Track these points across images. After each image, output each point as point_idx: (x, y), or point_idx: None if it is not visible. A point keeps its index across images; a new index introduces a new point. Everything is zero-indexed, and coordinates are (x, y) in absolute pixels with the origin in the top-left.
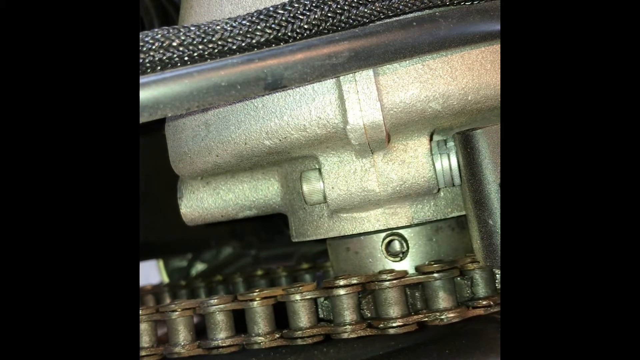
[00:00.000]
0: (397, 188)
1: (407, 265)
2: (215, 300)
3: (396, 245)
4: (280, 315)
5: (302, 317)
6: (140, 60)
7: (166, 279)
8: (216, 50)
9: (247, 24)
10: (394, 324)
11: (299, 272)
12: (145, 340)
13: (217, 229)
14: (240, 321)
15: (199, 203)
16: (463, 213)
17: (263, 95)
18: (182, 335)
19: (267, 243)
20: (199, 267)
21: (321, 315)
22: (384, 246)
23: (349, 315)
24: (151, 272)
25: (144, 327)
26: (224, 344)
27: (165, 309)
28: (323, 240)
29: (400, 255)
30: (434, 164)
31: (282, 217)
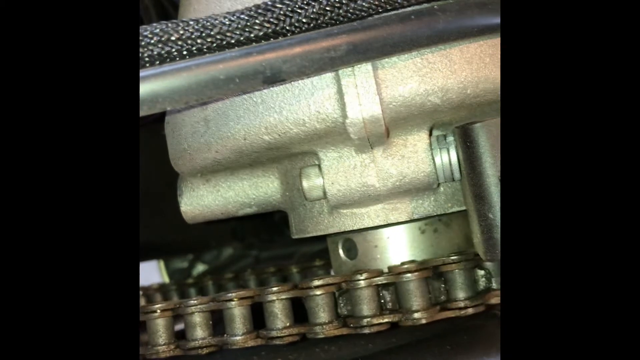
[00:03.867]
0: (397, 183)
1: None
2: (194, 302)
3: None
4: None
5: (279, 317)
6: (140, 55)
7: (167, 280)
8: (215, 45)
9: (246, 17)
10: (366, 323)
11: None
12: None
13: (218, 229)
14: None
15: (199, 201)
16: (463, 208)
17: (262, 89)
18: (163, 336)
19: (268, 243)
20: (200, 267)
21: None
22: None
23: (324, 314)
24: (151, 273)
25: None
26: (202, 344)
27: (146, 310)
28: (323, 240)
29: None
30: (433, 159)
31: (282, 217)
